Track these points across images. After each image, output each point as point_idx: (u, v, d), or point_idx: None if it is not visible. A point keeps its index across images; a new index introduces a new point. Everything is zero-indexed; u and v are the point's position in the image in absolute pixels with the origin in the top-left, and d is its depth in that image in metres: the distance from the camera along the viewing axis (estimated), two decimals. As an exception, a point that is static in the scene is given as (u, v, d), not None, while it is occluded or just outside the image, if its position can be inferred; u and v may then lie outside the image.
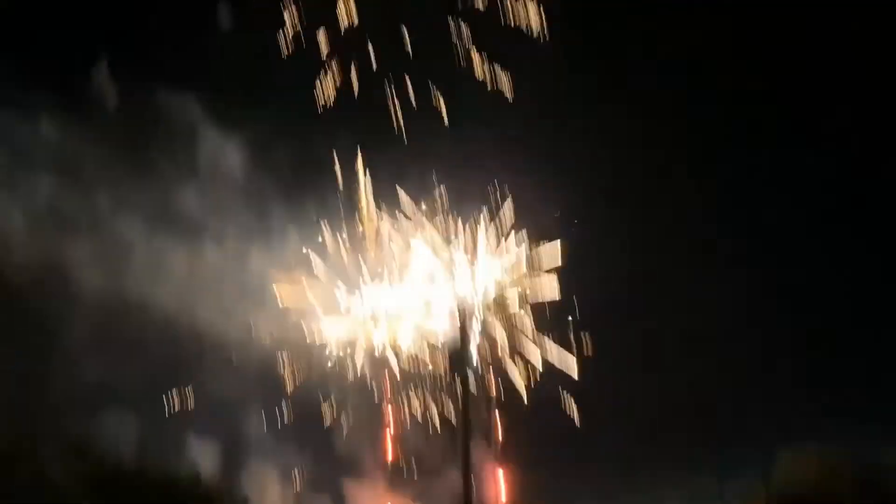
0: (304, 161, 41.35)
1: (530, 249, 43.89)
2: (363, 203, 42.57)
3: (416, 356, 43.70)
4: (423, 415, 45.17)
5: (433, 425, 45.05)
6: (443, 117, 43.00)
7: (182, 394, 38.63)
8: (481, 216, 43.18)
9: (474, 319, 40.76)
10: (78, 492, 23.39)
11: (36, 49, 35.82)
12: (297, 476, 41.07)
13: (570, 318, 43.43)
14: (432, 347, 43.67)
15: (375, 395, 45.38)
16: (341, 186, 42.43)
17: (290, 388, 41.66)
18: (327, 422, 44.10)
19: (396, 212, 43.19)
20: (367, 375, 43.67)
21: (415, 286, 43.29)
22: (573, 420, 43.55)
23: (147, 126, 37.92)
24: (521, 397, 43.98)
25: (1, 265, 30.37)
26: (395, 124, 42.17)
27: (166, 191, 38.56)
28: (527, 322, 44.59)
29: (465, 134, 41.59)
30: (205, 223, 39.87)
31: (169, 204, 38.54)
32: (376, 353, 43.34)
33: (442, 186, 42.80)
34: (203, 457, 37.20)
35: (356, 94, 41.50)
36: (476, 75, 40.64)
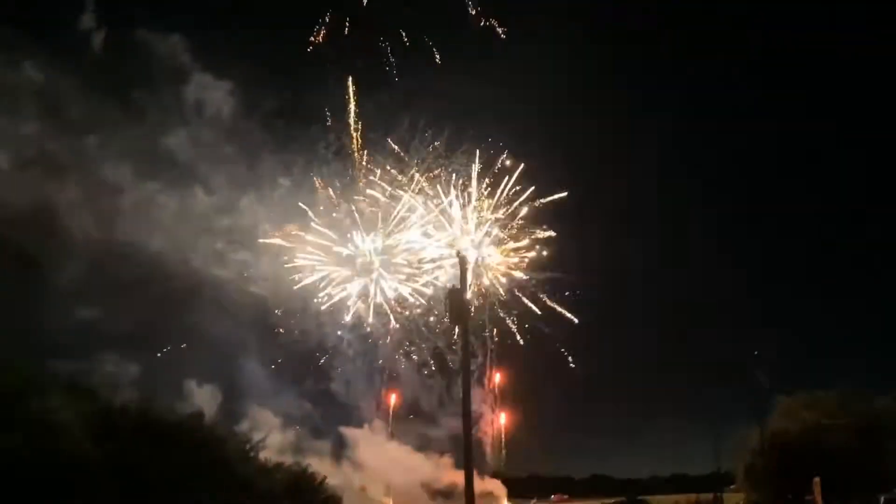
0: (295, 104, 41.43)
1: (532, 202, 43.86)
2: (354, 145, 42.19)
3: (414, 304, 43.95)
4: (422, 362, 45.78)
5: (431, 371, 45.57)
6: (435, 56, 42.71)
7: (177, 336, 39.08)
8: (474, 165, 43.37)
9: (470, 269, 41.39)
10: (81, 431, 23.37)
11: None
12: (297, 423, 41.80)
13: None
14: (429, 296, 43.93)
15: (373, 344, 46.20)
16: (331, 129, 42.42)
17: (283, 333, 42.14)
18: (324, 369, 44.75)
19: (387, 163, 43.22)
20: (364, 324, 44.09)
21: (409, 235, 43.32)
22: (569, 363, 44.31)
23: (134, 69, 37.64)
24: (517, 343, 44.53)
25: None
26: (386, 65, 41.96)
27: (155, 135, 38.69)
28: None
29: (458, 77, 41.57)
30: (196, 168, 39.82)
31: (158, 148, 38.67)
32: (370, 302, 43.66)
33: (431, 131, 43.05)
34: (201, 398, 37.80)
35: (346, 31, 41.48)
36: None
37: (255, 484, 30.63)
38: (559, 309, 43.68)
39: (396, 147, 42.50)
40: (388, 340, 44.46)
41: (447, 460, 45.93)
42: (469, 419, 22.62)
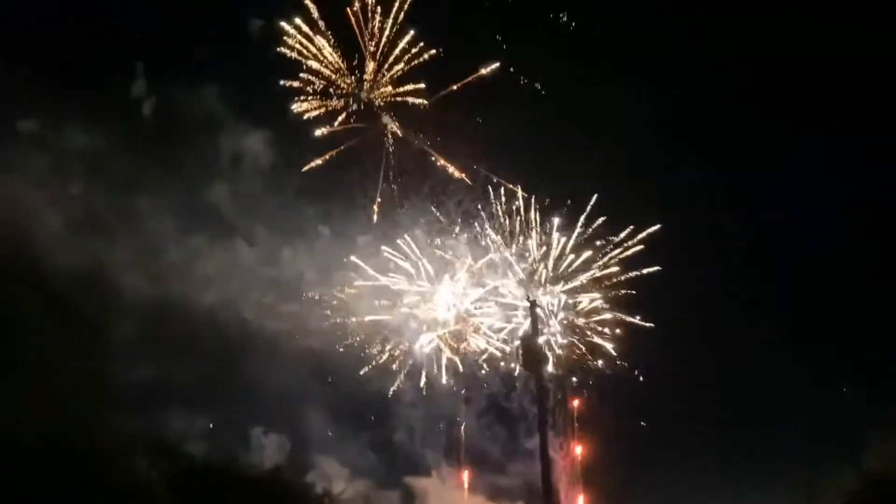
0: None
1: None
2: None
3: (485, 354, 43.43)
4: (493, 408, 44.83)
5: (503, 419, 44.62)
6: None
7: (236, 389, 39.09)
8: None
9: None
10: (163, 489, 23.71)
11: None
12: (363, 474, 41.07)
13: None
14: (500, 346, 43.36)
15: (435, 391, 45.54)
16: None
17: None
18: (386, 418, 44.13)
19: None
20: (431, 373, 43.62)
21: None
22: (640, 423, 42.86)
23: (174, 124, 38.46)
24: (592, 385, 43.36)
25: (46, 269, 31.25)
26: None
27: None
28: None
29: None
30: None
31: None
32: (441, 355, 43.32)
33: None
34: (269, 449, 37.74)
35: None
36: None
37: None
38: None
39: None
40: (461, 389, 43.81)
41: None
42: (547, 463, 22.13)
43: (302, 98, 38.83)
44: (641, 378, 42.19)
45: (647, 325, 41.17)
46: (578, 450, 43.73)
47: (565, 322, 42.24)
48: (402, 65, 39.10)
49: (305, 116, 38.90)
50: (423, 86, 39.20)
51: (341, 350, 40.97)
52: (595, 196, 40.43)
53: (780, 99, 42.99)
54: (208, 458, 27.61)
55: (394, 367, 42.02)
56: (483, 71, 38.97)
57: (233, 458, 28.82)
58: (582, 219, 40.77)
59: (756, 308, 44.06)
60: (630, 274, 40.92)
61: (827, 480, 37.73)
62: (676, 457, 44.49)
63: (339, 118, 39.39)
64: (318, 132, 39.14)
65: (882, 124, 40.34)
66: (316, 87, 39.15)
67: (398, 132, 40.41)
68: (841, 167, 43.46)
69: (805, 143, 43.08)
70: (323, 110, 39.21)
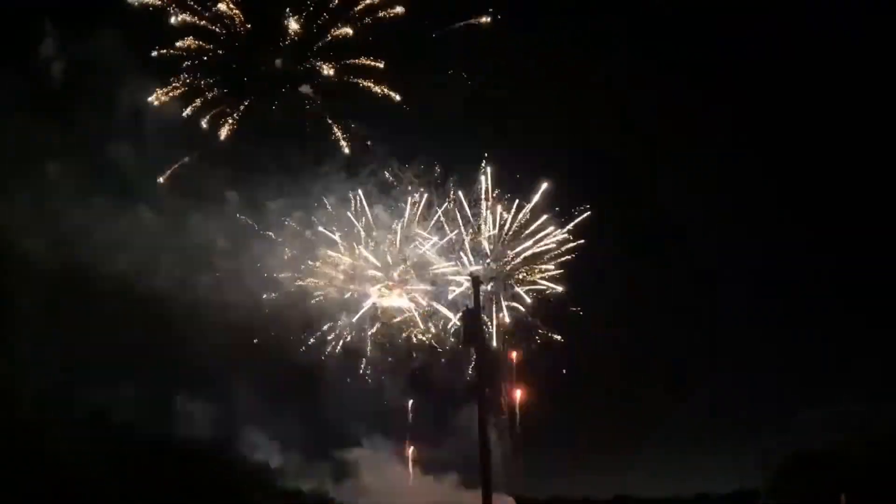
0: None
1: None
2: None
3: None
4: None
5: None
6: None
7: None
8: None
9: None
10: (103, 462, 23.31)
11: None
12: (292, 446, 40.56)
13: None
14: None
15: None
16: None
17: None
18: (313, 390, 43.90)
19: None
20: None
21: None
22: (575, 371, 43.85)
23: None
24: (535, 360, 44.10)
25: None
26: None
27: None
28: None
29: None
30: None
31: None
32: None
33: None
34: (195, 419, 37.03)
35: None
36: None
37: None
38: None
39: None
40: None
41: (453, 479, 45.11)
42: (486, 442, 22.44)
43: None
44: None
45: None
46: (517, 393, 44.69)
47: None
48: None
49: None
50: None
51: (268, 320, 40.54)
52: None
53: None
54: (142, 431, 27.22)
55: (329, 337, 42.12)
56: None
57: (165, 431, 28.46)
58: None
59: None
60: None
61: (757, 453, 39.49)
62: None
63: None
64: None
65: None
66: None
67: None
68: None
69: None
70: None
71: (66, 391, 27.10)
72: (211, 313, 36.23)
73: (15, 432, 21.20)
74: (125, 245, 34.81)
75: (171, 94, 37.43)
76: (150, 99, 36.67)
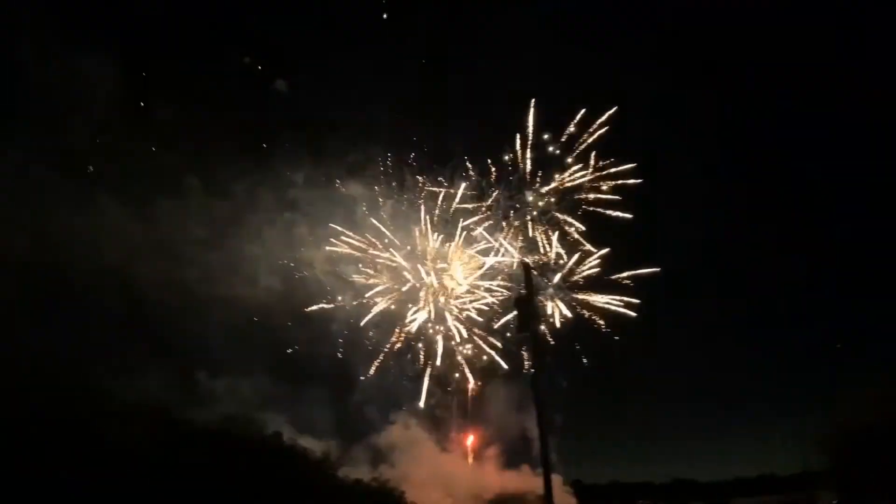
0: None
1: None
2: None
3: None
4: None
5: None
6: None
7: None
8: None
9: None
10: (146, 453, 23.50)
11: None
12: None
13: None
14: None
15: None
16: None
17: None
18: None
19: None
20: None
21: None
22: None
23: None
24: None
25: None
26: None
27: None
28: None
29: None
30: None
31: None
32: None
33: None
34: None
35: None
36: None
37: (337, 502, 30.88)
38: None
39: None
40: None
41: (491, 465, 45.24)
42: (544, 423, 22.43)
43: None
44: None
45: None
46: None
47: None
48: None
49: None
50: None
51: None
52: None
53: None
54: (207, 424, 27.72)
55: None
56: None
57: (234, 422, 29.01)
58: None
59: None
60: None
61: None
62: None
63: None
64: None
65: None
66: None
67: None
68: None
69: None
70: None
71: (91, 382, 26.95)
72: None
73: (68, 430, 21.35)
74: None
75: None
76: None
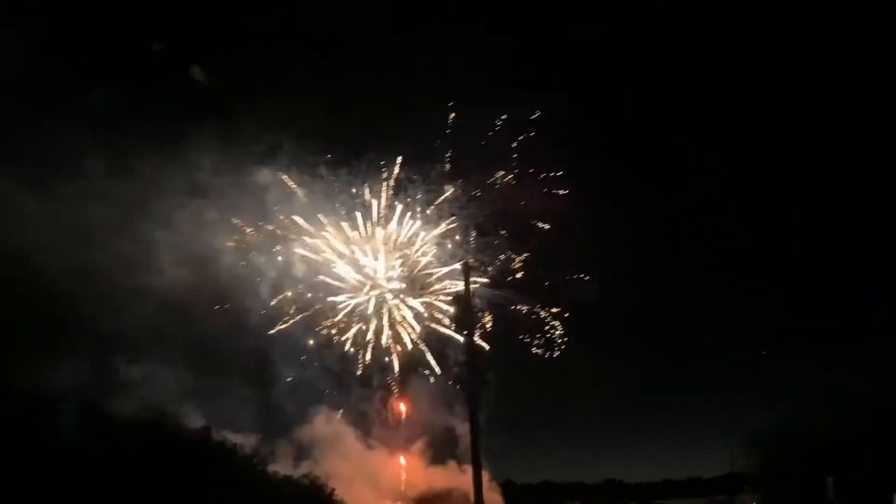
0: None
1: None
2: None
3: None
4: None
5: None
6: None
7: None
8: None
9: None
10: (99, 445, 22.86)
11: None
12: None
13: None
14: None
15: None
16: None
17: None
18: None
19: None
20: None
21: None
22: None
23: None
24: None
25: None
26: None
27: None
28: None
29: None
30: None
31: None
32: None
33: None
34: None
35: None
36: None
37: (264, 498, 30.36)
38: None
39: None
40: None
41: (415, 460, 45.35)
42: (476, 424, 22.47)
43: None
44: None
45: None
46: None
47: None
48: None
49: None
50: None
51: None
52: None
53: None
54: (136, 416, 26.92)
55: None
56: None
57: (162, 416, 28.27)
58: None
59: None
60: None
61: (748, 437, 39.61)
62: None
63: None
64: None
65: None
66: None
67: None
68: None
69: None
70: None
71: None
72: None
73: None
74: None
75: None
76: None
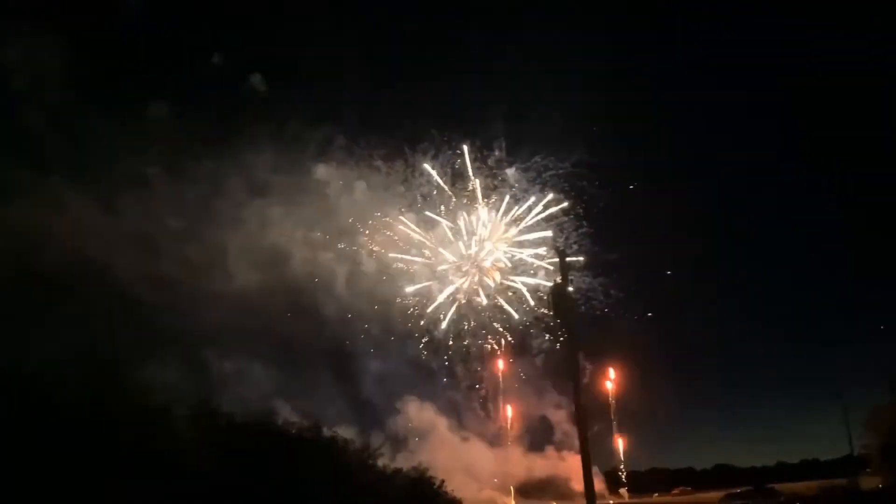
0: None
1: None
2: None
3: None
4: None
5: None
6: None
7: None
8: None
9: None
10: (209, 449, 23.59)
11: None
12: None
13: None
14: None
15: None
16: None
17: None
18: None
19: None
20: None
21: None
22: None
23: None
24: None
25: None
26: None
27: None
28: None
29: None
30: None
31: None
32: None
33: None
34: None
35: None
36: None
37: (378, 492, 30.82)
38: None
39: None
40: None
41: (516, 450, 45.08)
42: (582, 412, 22.25)
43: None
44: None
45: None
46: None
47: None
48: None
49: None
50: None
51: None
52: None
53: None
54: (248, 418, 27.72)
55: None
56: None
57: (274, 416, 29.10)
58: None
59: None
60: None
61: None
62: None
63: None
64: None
65: None
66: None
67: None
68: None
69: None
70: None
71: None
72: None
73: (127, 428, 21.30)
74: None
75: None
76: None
